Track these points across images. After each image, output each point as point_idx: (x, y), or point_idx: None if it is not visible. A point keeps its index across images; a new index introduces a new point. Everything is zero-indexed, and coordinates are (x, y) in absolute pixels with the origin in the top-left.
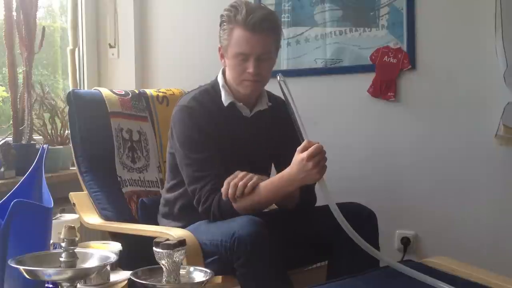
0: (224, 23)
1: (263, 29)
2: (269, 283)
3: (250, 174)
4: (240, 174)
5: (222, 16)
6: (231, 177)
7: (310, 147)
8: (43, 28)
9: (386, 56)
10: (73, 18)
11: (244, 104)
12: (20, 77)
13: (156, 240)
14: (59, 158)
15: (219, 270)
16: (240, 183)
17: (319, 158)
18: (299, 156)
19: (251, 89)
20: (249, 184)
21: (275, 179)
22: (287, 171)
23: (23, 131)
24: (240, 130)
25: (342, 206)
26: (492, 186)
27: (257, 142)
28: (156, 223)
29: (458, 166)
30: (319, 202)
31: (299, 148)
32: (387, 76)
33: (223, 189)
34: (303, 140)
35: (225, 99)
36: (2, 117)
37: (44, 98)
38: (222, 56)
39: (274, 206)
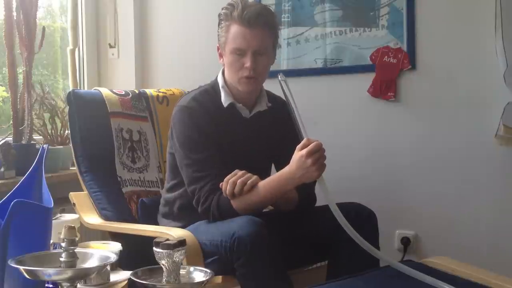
0: (222, 21)
1: (258, 24)
2: (268, 283)
3: (249, 174)
4: (239, 172)
5: (220, 15)
6: (230, 175)
7: (310, 144)
8: (43, 28)
9: (386, 56)
10: (73, 18)
11: (243, 105)
12: (20, 77)
13: (156, 240)
14: (59, 158)
15: (219, 270)
16: (239, 181)
17: (318, 155)
18: (298, 154)
19: (248, 87)
20: (248, 182)
21: (274, 178)
22: (286, 169)
23: (23, 131)
24: (239, 131)
25: (342, 206)
26: (492, 186)
27: (256, 143)
28: (156, 223)
29: (458, 166)
30: (319, 202)
31: (298, 146)
32: (387, 76)
33: (222, 187)
34: (302, 139)
35: (224, 99)
36: (2, 117)
37: (44, 98)
38: (220, 55)
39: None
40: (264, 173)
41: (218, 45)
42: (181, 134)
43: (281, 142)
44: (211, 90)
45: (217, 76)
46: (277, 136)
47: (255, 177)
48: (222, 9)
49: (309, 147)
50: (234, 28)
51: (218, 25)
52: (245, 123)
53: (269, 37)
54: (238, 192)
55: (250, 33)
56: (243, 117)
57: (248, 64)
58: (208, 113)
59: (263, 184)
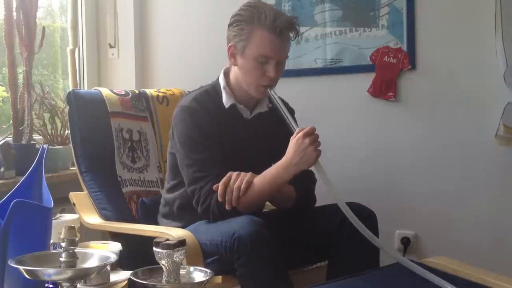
0: (242, 23)
1: (287, 35)
2: (269, 283)
3: (242, 174)
4: (233, 176)
5: (238, 15)
6: (225, 178)
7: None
8: (43, 28)
9: (386, 56)
10: (73, 18)
11: (244, 106)
12: (20, 77)
13: (156, 240)
14: (59, 158)
15: (219, 270)
16: (235, 187)
17: (315, 137)
18: (294, 139)
19: (264, 94)
20: (244, 181)
21: (271, 169)
22: (282, 159)
23: (23, 131)
24: (240, 131)
25: None
26: (492, 186)
27: (257, 144)
28: (156, 223)
29: (458, 166)
30: (319, 202)
31: (292, 136)
32: (387, 76)
33: (218, 192)
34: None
35: (226, 100)
36: (2, 117)
37: (44, 98)
38: (232, 55)
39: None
40: None
41: (231, 45)
42: (182, 134)
43: (282, 143)
44: (212, 91)
45: (218, 77)
46: (277, 136)
47: (249, 174)
48: (241, 10)
49: (305, 129)
50: (262, 34)
51: (232, 25)
52: (246, 124)
53: (289, 46)
54: (236, 197)
55: (281, 43)
56: (244, 118)
57: (271, 73)
58: (209, 113)
59: (259, 178)
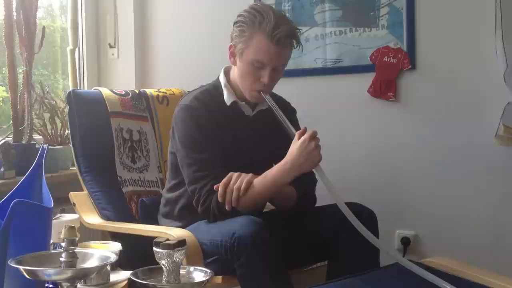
0: (244, 25)
1: (286, 44)
2: (269, 283)
3: (243, 174)
4: (234, 176)
5: (242, 16)
6: (225, 179)
7: (306, 132)
8: (43, 28)
9: (386, 56)
10: (73, 18)
11: (246, 103)
12: (20, 77)
13: (156, 240)
14: (59, 158)
15: (219, 270)
16: (235, 187)
17: (318, 140)
18: (299, 141)
19: (258, 99)
20: (244, 181)
21: (273, 169)
22: (283, 161)
23: (23, 131)
24: (242, 129)
25: None
26: (492, 186)
27: (258, 141)
28: (156, 223)
29: (458, 166)
30: (319, 202)
31: (295, 138)
32: (387, 76)
33: (219, 192)
34: (293, 136)
35: (227, 98)
36: (2, 117)
37: (44, 98)
38: (232, 55)
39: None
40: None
41: (232, 44)
42: (183, 133)
43: (283, 141)
44: (213, 89)
45: (218, 76)
46: (279, 134)
47: (249, 175)
48: (246, 12)
49: (310, 132)
50: (260, 40)
51: (235, 24)
52: (248, 121)
53: (289, 55)
54: (235, 197)
55: (276, 51)
56: (246, 115)
57: (265, 79)
58: (210, 112)
59: (260, 179)
